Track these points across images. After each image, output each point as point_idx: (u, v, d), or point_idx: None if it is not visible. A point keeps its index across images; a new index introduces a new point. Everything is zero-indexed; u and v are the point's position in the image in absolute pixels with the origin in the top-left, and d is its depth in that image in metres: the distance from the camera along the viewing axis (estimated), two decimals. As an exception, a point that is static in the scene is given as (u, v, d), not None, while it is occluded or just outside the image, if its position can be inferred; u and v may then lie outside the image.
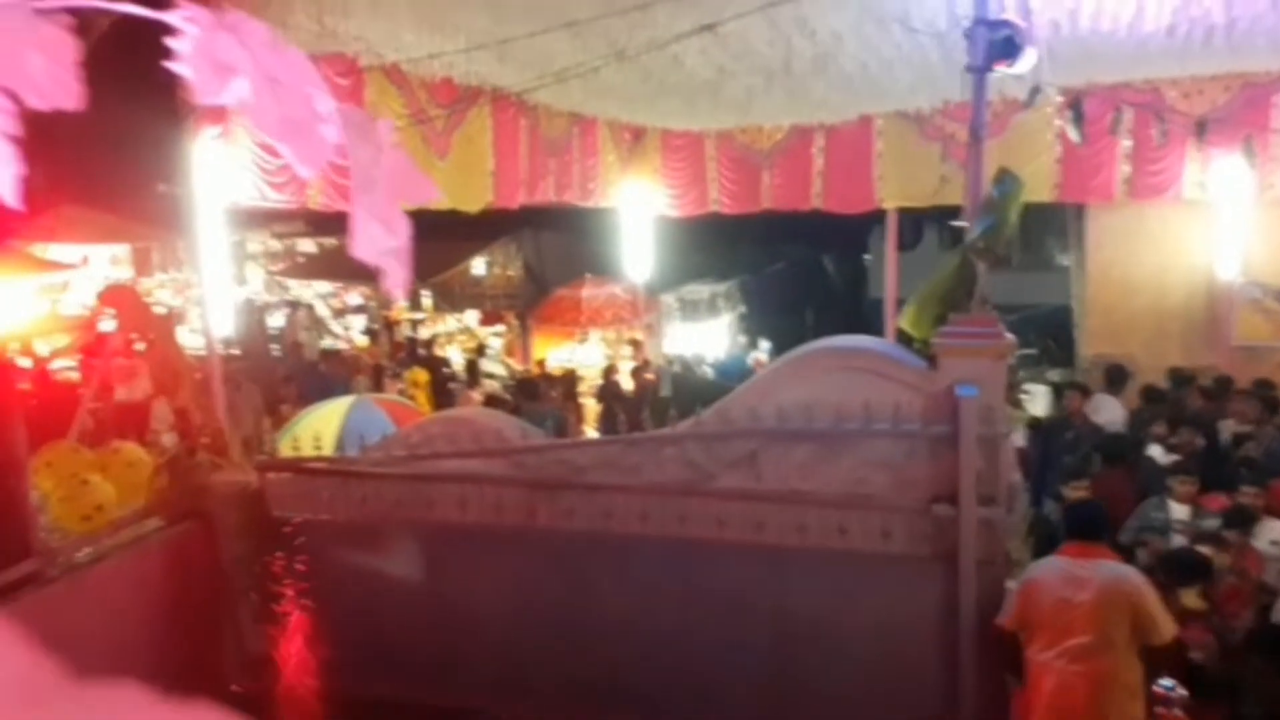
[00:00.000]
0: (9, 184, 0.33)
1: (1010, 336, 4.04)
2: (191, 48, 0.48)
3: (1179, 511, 5.01)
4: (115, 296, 6.04)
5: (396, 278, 0.50)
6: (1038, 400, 8.19)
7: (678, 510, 4.24)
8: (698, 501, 4.20)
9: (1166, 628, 3.46)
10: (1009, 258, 4.43)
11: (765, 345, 12.92)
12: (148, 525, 4.59)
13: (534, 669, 4.50)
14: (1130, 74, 7.92)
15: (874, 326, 10.25)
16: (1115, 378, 7.49)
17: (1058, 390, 7.79)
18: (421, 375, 10.70)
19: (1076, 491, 5.29)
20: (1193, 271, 9.19)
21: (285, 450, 5.46)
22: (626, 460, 4.41)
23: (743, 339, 14.70)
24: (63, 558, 4.15)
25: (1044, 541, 4.73)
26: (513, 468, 4.58)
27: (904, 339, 5.01)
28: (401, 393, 9.38)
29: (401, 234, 0.50)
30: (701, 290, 15.78)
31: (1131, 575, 3.57)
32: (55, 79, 0.36)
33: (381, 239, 0.49)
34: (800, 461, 4.08)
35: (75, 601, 4.06)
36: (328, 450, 5.21)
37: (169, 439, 4.99)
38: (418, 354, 12.68)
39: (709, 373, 11.53)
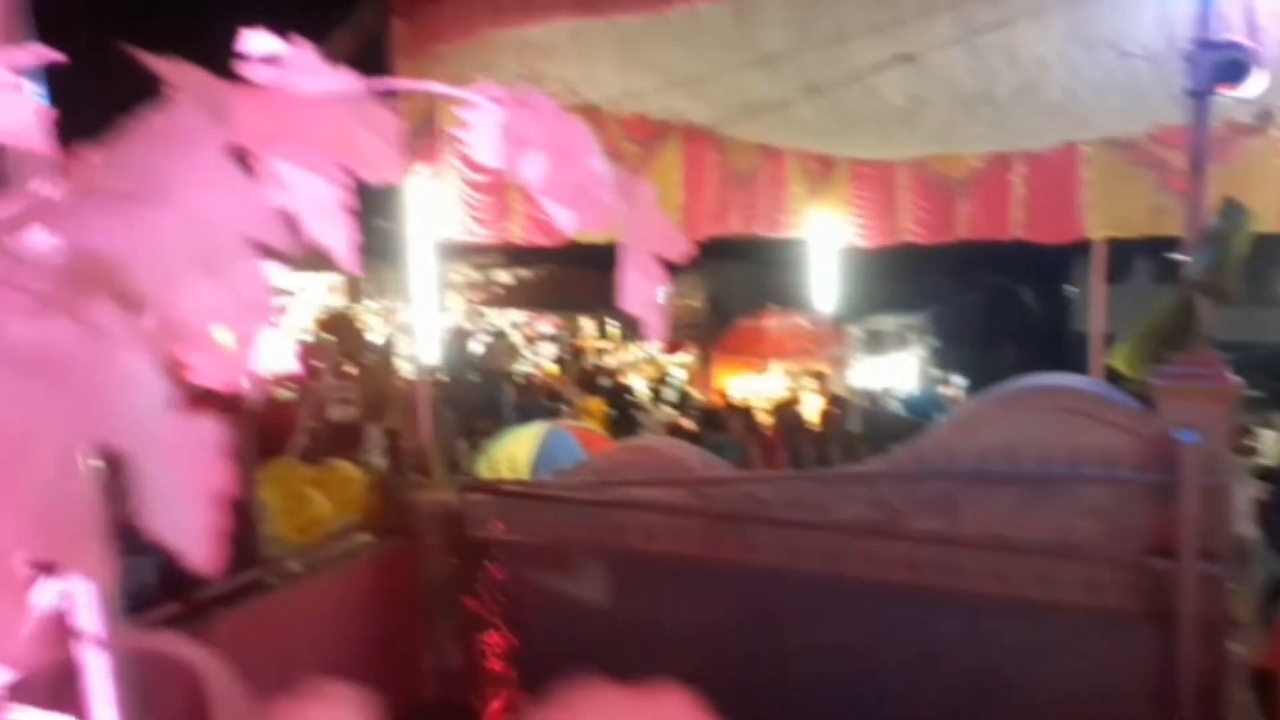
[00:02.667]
0: (349, 253, 0.37)
1: (1236, 378, 3.75)
2: (492, 123, 0.53)
3: None
4: (333, 323, 6.52)
5: (656, 327, 0.53)
6: (1267, 446, 7.53)
7: (867, 551, 4.14)
8: (889, 543, 4.09)
9: None
10: (1234, 293, 4.11)
11: (958, 380, 12.47)
12: (358, 539, 4.89)
13: (716, 701, 4.47)
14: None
15: (1078, 363, 9.70)
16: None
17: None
18: (596, 405, 10.89)
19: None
20: None
21: (483, 472, 5.70)
22: (813, 497, 4.35)
23: (934, 373, 14.25)
24: (282, 567, 4.49)
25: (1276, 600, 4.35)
26: (697, 498, 4.60)
27: (1115, 378, 4.73)
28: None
29: (662, 287, 0.53)
30: (890, 322, 15.43)
31: None
32: (383, 155, 0.41)
33: (646, 291, 0.52)
34: (1001, 506, 3.90)
35: (292, 607, 4.38)
36: (522, 474, 5.40)
37: (379, 458, 5.30)
38: (595, 383, 12.94)
39: (897, 407, 11.24)
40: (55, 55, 0.49)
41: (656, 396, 12.74)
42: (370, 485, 5.17)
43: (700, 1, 4.65)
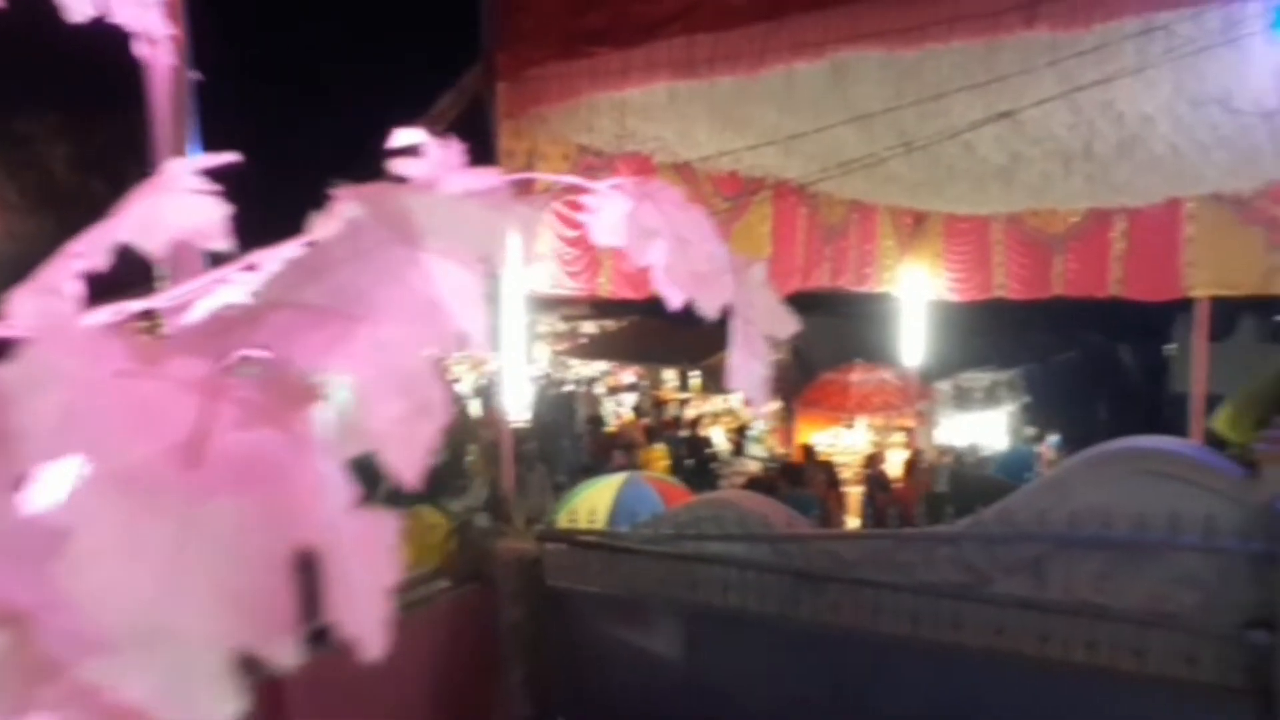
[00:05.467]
0: (488, 340, 0.40)
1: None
2: (616, 211, 0.56)
3: None
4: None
5: (760, 402, 0.56)
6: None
7: (951, 614, 4.03)
8: (974, 606, 3.98)
9: None
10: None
11: (1053, 439, 12.08)
12: (437, 585, 4.94)
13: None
14: None
15: (1178, 425, 9.36)
16: None
17: None
18: (658, 453, 10.80)
19: None
20: None
21: (563, 522, 5.73)
22: (897, 557, 4.27)
23: (1026, 431, 13.85)
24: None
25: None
26: (776, 555, 4.55)
27: (1215, 442, 4.57)
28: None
29: (768, 364, 0.55)
30: (981, 378, 15.05)
31: None
32: (520, 245, 0.45)
33: (754, 370, 0.54)
34: (1093, 572, 3.77)
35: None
36: (602, 524, 5.42)
37: (474, 503, 5.39)
38: (666, 433, 12.88)
39: (986, 466, 10.95)
40: (235, 158, 0.55)
41: (737, 449, 12.65)
42: (451, 532, 5.24)
43: (796, 62, 4.69)
